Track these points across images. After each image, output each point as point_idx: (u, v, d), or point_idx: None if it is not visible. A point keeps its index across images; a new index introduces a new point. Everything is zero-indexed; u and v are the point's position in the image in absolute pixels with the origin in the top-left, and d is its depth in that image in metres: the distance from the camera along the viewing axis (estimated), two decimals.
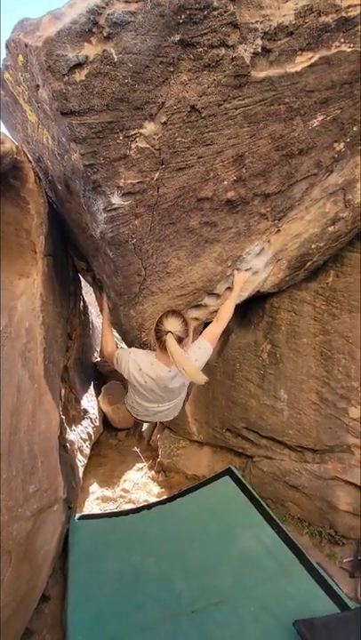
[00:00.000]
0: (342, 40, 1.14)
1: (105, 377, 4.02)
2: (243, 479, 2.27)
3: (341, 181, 1.67)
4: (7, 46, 0.94)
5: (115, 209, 1.25)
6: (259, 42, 1.03)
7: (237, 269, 1.89)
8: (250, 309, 2.50)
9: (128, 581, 1.72)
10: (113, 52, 0.87)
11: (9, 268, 1.41)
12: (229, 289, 2.01)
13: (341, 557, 1.87)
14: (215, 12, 0.92)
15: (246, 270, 1.94)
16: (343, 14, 1.08)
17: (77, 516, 2.14)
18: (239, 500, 2.18)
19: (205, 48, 0.97)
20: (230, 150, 1.28)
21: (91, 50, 0.86)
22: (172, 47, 0.94)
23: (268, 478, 2.26)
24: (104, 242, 1.42)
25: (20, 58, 0.92)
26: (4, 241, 1.46)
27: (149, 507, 2.28)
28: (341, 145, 1.50)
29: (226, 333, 2.55)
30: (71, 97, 0.89)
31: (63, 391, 2.38)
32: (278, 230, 1.83)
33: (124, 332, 1.81)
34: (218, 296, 1.99)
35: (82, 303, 3.41)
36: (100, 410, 3.57)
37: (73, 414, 2.86)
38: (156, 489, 2.69)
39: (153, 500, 2.55)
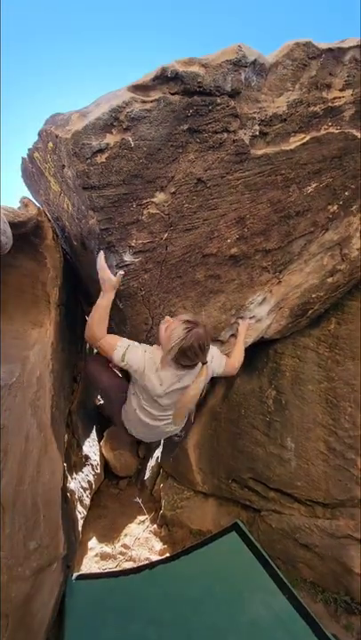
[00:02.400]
0: (330, 124, 1.30)
1: (108, 421, 3.95)
2: (250, 536, 2.15)
3: (337, 238, 1.79)
4: (39, 134, 1.10)
5: (126, 265, 1.34)
6: (257, 127, 1.18)
7: (241, 318, 1.96)
8: (254, 355, 2.53)
9: None
10: (130, 139, 1.00)
11: (23, 317, 1.49)
12: (233, 336, 2.06)
13: (359, 628, 1.71)
14: (218, 107, 1.07)
15: (250, 318, 2.01)
16: (330, 104, 1.25)
17: (75, 575, 2.01)
18: (247, 560, 2.04)
19: (210, 133, 1.11)
20: (233, 213, 1.40)
21: (111, 138, 1.00)
22: (181, 134, 1.08)
23: (277, 535, 2.14)
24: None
25: (50, 144, 1.07)
26: (20, 292, 1.55)
27: (151, 566, 2.14)
28: (335, 207, 1.63)
29: (230, 379, 2.56)
30: (92, 175, 1.02)
31: (66, 436, 2.36)
32: (279, 281, 1.92)
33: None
34: (222, 342, 2.04)
35: (87, 346, 3.46)
36: (102, 456, 3.48)
37: (74, 461, 2.79)
38: (158, 545, 2.54)
39: (155, 557, 2.40)
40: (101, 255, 1.29)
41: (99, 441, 3.56)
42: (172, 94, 1.01)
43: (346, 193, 1.58)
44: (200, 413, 2.74)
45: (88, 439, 3.27)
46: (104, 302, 1.43)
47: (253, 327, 2.08)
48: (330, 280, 2.00)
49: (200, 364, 1.48)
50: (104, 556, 2.45)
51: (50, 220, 1.61)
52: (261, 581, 1.93)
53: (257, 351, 2.51)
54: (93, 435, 3.49)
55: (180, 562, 2.14)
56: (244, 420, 2.47)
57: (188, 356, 1.37)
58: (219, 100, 1.06)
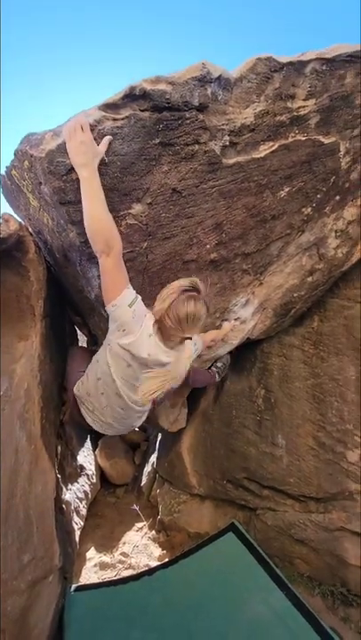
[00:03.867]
0: (297, 131, 1.36)
1: None
2: (247, 535, 2.17)
3: (313, 239, 1.85)
4: (15, 154, 1.13)
5: None
6: (226, 138, 1.23)
7: (226, 320, 2.00)
8: (242, 356, 2.58)
9: None
10: (104, 155, 1.04)
11: (9, 331, 1.50)
12: (221, 340, 2.10)
13: (357, 620, 1.75)
14: (188, 121, 1.11)
15: (235, 320, 2.05)
16: (295, 113, 1.31)
17: (73, 587, 2.01)
18: (245, 560, 2.07)
19: (182, 146, 1.15)
20: (210, 220, 1.44)
21: None
22: (153, 147, 1.12)
23: (273, 532, 2.17)
24: (98, 303, 1.53)
25: (27, 163, 1.09)
26: (5, 306, 1.56)
27: (150, 572, 2.15)
28: (309, 209, 1.69)
29: (220, 381, 2.59)
30: (68, 191, 1.05)
31: (59, 448, 2.35)
32: (261, 283, 1.97)
33: None
34: (209, 346, 2.07)
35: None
36: (98, 465, 3.46)
37: (69, 472, 2.78)
38: (157, 551, 2.54)
39: (154, 563, 2.40)
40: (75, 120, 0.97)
41: (93, 450, 3.55)
42: (142, 111, 1.05)
43: (318, 195, 1.64)
44: (192, 416, 2.76)
45: (82, 449, 3.26)
46: (90, 190, 1.01)
47: (239, 329, 2.12)
48: (310, 279, 2.06)
49: (186, 343, 1.30)
50: (103, 566, 2.44)
51: (32, 234, 1.63)
52: (260, 580, 1.96)
53: (245, 352, 2.56)
54: (88, 444, 3.47)
55: (179, 566, 2.15)
56: (235, 420, 2.50)
57: (181, 328, 1.22)
58: (187, 115, 1.10)
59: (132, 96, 1.03)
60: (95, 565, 2.43)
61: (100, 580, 2.27)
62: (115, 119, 1.03)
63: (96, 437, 3.72)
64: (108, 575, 2.35)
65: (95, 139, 1.01)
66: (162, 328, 1.26)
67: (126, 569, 2.40)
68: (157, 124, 1.08)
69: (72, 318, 2.79)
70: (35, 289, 1.62)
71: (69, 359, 1.97)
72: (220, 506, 2.56)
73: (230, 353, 2.41)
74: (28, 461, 1.29)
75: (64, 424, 2.81)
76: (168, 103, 1.05)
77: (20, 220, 1.58)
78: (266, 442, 2.31)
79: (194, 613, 1.85)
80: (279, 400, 2.33)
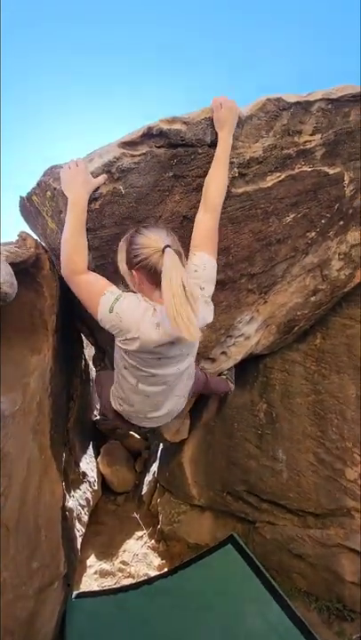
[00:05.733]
0: (303, 163, 1.43)
1: (105, 436, 3.99)
2: (246, 548, 2.20)
3: (317, 260, 1.91)
4: (39, 184, 1.21)
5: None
6: (236, 170, 1.30)
7: (230, 336, 2.06)
8: (245, 370, 2.63)
9: None
10: (121, 187, 1.11)
11: (23, 344, 1.57)
12: (224, 354, 2.16)
13: (351, 634, 1.78)
14: (200, 155, 1.19)
15: (239, 336, 2.11)
16: (301, 147, 1.38)
17: (74, 594, 2.05)
18: (243, 572, 2.10)
19: (193, 178, 1.23)
20: (218, 244, 1.51)
21: (104, 188, 1.11)
22: (167, 180, 1.19)
23: (271, 546, 2.20)
24: None
25: (49, 193, 1.18)
26: (19, 320, 1.64)
27: (150, 582, 2.18)
28: (313, 233, 1.75)
29: (224, 395, 2.64)
30: (88, 220, 1.13)
31: (64, 455, 2.41)
32: (265, 301, 2.03)
33: None
34: (213, 360, 2.13)
35: (83, 362, 3.52)
36: (99, 472, 3.51)
37: (72, 478, 2.83)
38: (156, 560, 2.58)
39: (153, 573, 2.43)
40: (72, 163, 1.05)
41: (95, 457, 3.60)
42: (158, 147, 1.13)
43: (322, 221, 1.70)
44: (194, 428, 2.81)
45: (85, 455, 3.31)
46: (72, 214, 1.07)
47: (243, 344, 2.18)
48: (313, 299, 2.12)
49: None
50: (103, 574, 2.48)
51: (47, 251, 1.71)
52: (257, 593, 1.99)
53: (248, 366, 2.61)
54: (90, 451, 3.52)
55: (178, 576, 2.19)
56: (237, 433, 2.55)
57: (142, 243, 1.04)
58: (200, 150, 1.18)
59: (149, 135, 1.11)
60: (95, 573, 2.47)
61: (101, 588, 2.31)
62: (133, 155, 1.10)
63: (98, 444, 3.77)
64: (108, 583, 2.39)
65: (114, 173, 1.08)
66: (155, 282, 1.06)
67: (126, 577, 2.44)
68: (172, 159, 1.15)
69: (80, 329, 2.86)
70: (48, 304, 1.70)
71: (98, 385, 1.85)
72: (220, 517, 2.59)
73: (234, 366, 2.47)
74: (38, 471, 1.35)
75: (68, 431, 2.87)
76: (182, 141, 1.13)
77: (36, 237, 1.67)
78: (266, 456, 2.35)
79: (192, 624, 1.88)
80: (280, 415, 2.37)
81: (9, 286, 1.07)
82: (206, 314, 1.16)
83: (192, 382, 1.50)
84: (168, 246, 1.00)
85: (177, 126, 1.11)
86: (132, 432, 4.10)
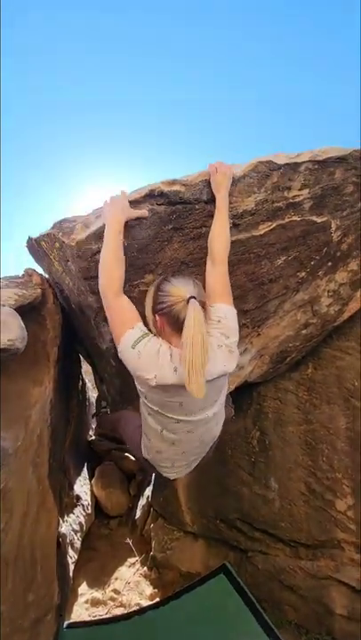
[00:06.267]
0: (292, 213, 1.55)
1: (100, 456, 3.99)
2: (238, 578, 2.22)
3: (308, 297, 2.02)
4: (48, 235, 1.32)
5: None
6: (230, 220, 1.41)
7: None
8: (240, 397, 2.69)
9: None
10: (124, 241, 1.21)
11: (25, 376, 1.64)
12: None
13: None
14: (197, 211, 1.30)
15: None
16: (291, 200, 1.50)
17: (66, 623, 2.04)
18: (235, 603, 2.11)
19: (191, 229, 1.34)
20: None
21: None
22: (166, 231, 1.30)
23: (263, 577, 2.22)
24: (109, 354, 1.67)
25: (57, 244, 1.28)
26: (22, 353, 1.71)
27: (141, 612, 2.18)
28: (303, 273, 1.86)
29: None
30: (92, 269, 1.22)
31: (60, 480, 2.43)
32: (259, 334, 2.12)
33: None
34: None
35: (80, 382, 3.56)
36: (93, 494, 3.50)
37: (66, 502, 2.83)
38: (148, 589, 2.57)
39: (145, 602, 2.42)
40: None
41: (90, 478, 3.59)
42: (159, 205, 1.24)
43: (312, 262, 1.81)
44: None
45: (79, 477, 3.31)
46: (110, 237, 1.12)
47: (237, 374, 2.25)
48: (304, 332, 2.21)
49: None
50: (94, 602, 2.47)
51: (51, 286, 1.80)
52: (248, 625, 1.99)
53: (242, 393, 2.67)
54: (85, 473, 3.52)
55: (170, 607, 2.19)
56: (230, 460, 2.59)
57: (176, 295, 1.08)
58: (197, 207, 1.29)
59: (151, 195, 1.22)
60: (87, 602, 2.46)
61: (92, 618, 2.29)
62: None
63: (92, 465, 3.77)
64: (100, 612, 2.37)
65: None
66: (177, 330, 1.09)
67: (117, 607, 2.42)
68: (171, 214, 1.26)
69: (79, 351, 2.93)
70: (51, 336, 1.77)
71: (122, 423, 1.82)
72: (213, 545, 2.60)
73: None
74: (36, 503, 1.40)
75: (64, 453, 2.89)
76: (181, 199, 1.24)
77: (42, 272, 1.77)
78: (259, 484, 2.39)
79: None
80: (273, 443, 2.42)
81: (21, 341, 1.15)
82: (228, 363, 1.17)
83: (220, 428, 1.47)
84: (193, 297, 1.05)
85: (176, 187, 1.22)
86: (126, 454, 4.10)
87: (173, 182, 1.22)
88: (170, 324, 1.11)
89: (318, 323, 2.18)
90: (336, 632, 1.89)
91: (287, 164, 1.40)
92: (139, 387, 1.19)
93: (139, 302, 1.45)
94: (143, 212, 1.22)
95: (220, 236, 1.27)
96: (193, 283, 1.14)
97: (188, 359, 0.99)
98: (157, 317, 1.13)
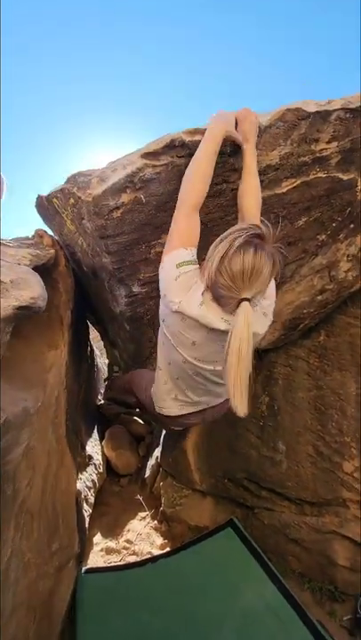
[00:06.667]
0: (318, 169, 1.45)
1: (109, 420, 4.12)
2: (245, 531, 2.34)
3: (326, 262, 1.95)
4: (62, 190, 1.24)
5: (134, 295, 1.49)
6: None
7: None
8: None
9: None
10: (142, 196, 1.14)
11: (40, 340, 1.63)
12: None
13: (341, 615, 1.92)
14: (219, 165, 1.21)
15: None
16: (318, 155, 1.39)
17: (83, 569, 2.19)
18: (241, 554, 2.24)
19: (212, 185, 1.25)
20: None
21: (126, 197, 1.14)
22: None
23: (268, 531, 2.33)
24: (122, 317, 1.65)
25: (72, 200, 1.20)
26: (36, 316, 1.69)
27: (154, 560, 2.32)
28: (323, 236, 1.78)
29: None
30: (109, 227, 1.16)
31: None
32: None
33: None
34: None
35: (89, 348, 3.59)
36: (104, 455, 3.64)
37: (79, 461, 2.94)
38: (159, 540, 2.73)
39: (156, 551, 2.59)
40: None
41: (100, 441, 3.73)
42: (179, 157, 1.15)
43: (333, 224, 1.73)
44: None
45: (90, 439, 3.43)
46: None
47: None
48: (319, 298, 2.16)
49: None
50: (109, 551, 2.64)
51: (62, 248, 1.75)
52: (254, 573, 2.13)
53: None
54: (95, 434, 3.65)
55: (181, 556, 2.33)
56: (239, 423, 2.64)
57: (236, 287, 0.96)
58: (219, 160, 1.19)
59: (171, 146, 1.13)
60: (102, 550, 2.63)
61: (108, 565, 2.46)
62: (155, 166, 1.13)
63: (102, 428, 3.90)
64: (114, 559, 2.54)
65: (136, 183, 1.11)
66: (216, 295, 1.02)
67: (130, 555, 2.59)
68: None
69: (88, 318, 2.92)
70: (63, 300, 1.75)
71: (135, 377, 1.84)
72: (221, 502, 2.72)
73: None
74: (56, 461, 1.44)
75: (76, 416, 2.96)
76: None
77: (52, 234, 1.70)
78: (267, 446, 2.45)
79: (193, 600, 2.03)
80: (282, 408, 2.46)
81: (43, 300, 1.12)
82: (260, 327, 1.14)
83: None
84: (248, 300, 0.95)
85: (198, 137, 1.13)
86: (135, 417, 4.22)
87: (195, 131, 1.13)
88: (214, 293, 1.03)
89: (335, 288, 2.13)
90: (338, 581, 2.02)
91: (317, 111, 1.28)
92: (163, 307, 1.14)
93: (153, 263, 1.41)
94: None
95: (250, 191, 1.18)
96: (267, 271, 0.97)
97: (234, 375, 0.94)
98: (207, 275, 1.02)
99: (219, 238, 1.01)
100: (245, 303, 0.96)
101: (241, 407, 0.98)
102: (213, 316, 1.03)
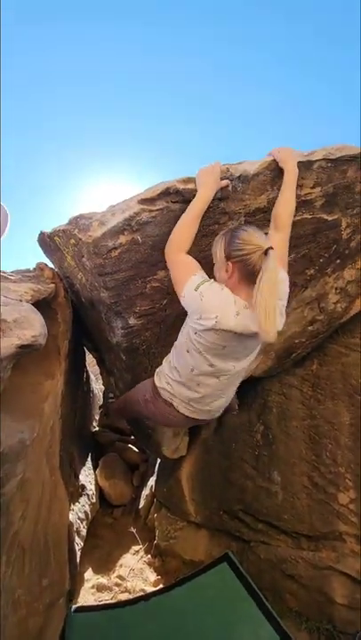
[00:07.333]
0: (304, 211, 1.56)
1: (103, 447, 4.05)
2: (240, 567, 2.28)
3: (315, 294, 2.03)
4: (63, 231, 1.33)
5: (131, 327, 1.55)
6: (242, 218, 1.43)
7: None
8: (244, 391, 2.72)
9: None
10: (139, 237, 1.23)
11: (37, 369, 1.67)
12: None
13: None
14: (210, 208, 1.32)
15: None
16: (303, 198, 1.51)
17: (73, 607, 2.11)
18: (237, 591, 2.17)
19: (203, 226, 1.35)
20: None
21: (123, 238, 1.23)
22: None
23: (265, 566, 2.27)
24: (119, 348, 1.70)
25: (72, 241, 1.29)
26: None
27: (146, 598, 2.25)
28: (312, 270, 1.87)
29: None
30: (107, 266, 1.24)
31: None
32: None
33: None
34: None
35: (85, 375, 3.60)
36: (97, 484, 3.56)
37: (72, 491, 2.89)
38: (152, 576, 2.64)
39: (149, 588, 2.49)
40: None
41: (94, 469, 3.66)
42: (174, 203, 1.25)
43: (321, 260, 1.82)
44: (193, 445, 2.89)
45: (84, 467, 3.37)
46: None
47: None
48: (310, 328, 2.23)
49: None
50: (100, 588, 2.54)
51: (62, 280, 1.82)
52: (250, 612, 2.06)
53: (247, 387, 2.70)
54: (89, 463, 3.59)
55: (174, 593, 2.25)
56: (234, 453, 2.63)
57: (254, 242, 1.13)
58: (211, 204, 1.30)
59: (166, 193, 1.23)
60: (93, 587, 2.53)
61: (99, 603, 2.36)
62: (150, 210, 1.23)
63: (96, 456, 3.83)
64: (105, 597, 2.44)
65: (133, 226, 1.20)
66: (245, 273, 1.17)
67: (122, 592, 2.49)
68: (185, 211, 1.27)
69: (85, 345, 2.96)
70: (62, 330, 1.80)
71: (130, 393, 1.87)
72: (216, 535, 2.66)
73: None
74: (49, 492, 1.44)
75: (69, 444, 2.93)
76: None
77: (52, 266, 1.78)
78: (263, 477, 2.43)
79: None
80: (277, 437, 2.46)
81: (43, 337, 1.18)
82: (280, 323, 1.28)
83: (235, 388, 1.62)
84: (271, 248, 1.11)
85: (191, 186, 1.23)
86: (130, 445, 4.16)
87: (189, 180, 1.23)
88: (242, 271, 1.16)
89: (325, 319, 2.20)
90: (336, 620, 1.95)
91: (300, 162, 1.40)
92: (194, 325, 1.22)
93: (149, 297, 1.48)
94: (227, 182, 1.31)
95: (287, 202, 1.35)
96: (265, 235, 1.20)
97: (265, 304, 1.07)
98: (230, 264, 1.18)
99: (214, 241, 1.24)
100: (271, 250, 1.11)
101: (272, 331, 1.10)
102: (250, 321, 1.16)
